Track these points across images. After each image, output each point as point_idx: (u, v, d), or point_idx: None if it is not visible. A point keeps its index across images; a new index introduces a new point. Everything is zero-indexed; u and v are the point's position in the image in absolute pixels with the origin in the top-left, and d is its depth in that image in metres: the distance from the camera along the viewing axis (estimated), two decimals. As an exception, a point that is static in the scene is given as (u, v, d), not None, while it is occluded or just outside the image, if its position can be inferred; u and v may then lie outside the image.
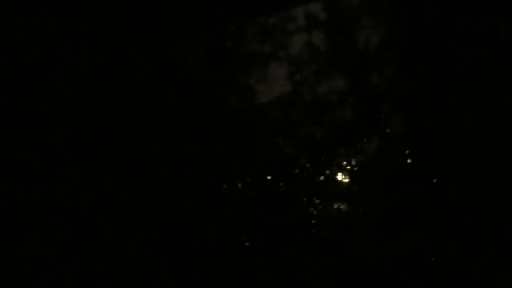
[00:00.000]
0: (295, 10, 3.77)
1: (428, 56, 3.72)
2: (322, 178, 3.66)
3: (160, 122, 3.66)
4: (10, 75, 3.51)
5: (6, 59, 3.49)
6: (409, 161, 3.63)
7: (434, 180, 3.59)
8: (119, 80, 3.65)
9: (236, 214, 3.61)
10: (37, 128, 3.55)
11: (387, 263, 3.52)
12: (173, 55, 3.74)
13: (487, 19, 3.68)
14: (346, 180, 3.67)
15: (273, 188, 3.64)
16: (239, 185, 3.62)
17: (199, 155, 3.65)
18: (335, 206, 3.64)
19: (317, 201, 3.63)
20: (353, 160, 3.67)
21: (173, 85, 3.73)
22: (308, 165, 3.66)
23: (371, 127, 3.69)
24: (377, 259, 3.53)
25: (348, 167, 3.67)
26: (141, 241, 3.50)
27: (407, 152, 3.64)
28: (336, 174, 3.68)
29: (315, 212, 3.61)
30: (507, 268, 3.40)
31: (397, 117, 3.69)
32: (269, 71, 3.74)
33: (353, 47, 3.75)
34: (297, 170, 3.65)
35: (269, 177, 3.64)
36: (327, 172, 3.67)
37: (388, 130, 3.68)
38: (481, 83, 3.66)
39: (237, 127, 3.69)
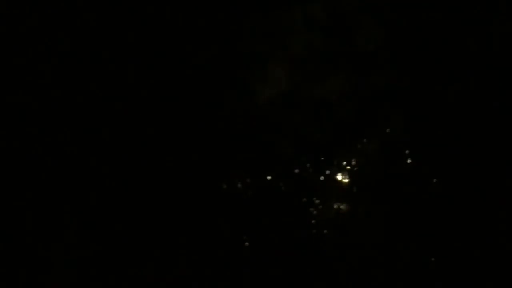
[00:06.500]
0: (295, 10, 3.77)
1: (428, 56, 3.72)
2: (322, 178, 3.66)
3: (159, 122, 3.67)
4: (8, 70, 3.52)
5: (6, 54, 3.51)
6: (409, 161, 3.63)
7: (434, 180, 3.59)
8: (118, 80, 3.66)
9: (236, 214, 3.61)
10: (36, 127, 3.56)
11: (387, 263, 3.52)
12: (172, 56, 3.75)
13: (488, 19, 3.68)
14: (346, 180, 3.66)
15: (273, 188, 3.64)
16: (239, 185, 3.62)
17: (199, 155, 3.66)
18: (335, 206, 3.64)
19: (317, 201, 3.63)
20: (353, 160, 3.67)
21: (172, 85, 3.73)
22: (308, 165, 3.66)
23: (371, 127, 3.69)
24: (377, 259, 3.53)
25: (348, 167, 3.67)
26: (140, 242, 3.51)
27: (407, 152, 3.64)
28: (336, 174, 3.68)
29: (315, 212, 3.61)
30: (507, 268, 3.40)
31: (397, 117, 3.69)
32: (269, 71, 3.74)
33: (353, 47, 3.75)
34: (297, 170, 3.65)
35: (269, 177, 3.64)
36: (327, 172, 3.67)
37: (388, 130, 3.67)
38: (481, 82, 3.65)
39: (236, 127, 3.69)
